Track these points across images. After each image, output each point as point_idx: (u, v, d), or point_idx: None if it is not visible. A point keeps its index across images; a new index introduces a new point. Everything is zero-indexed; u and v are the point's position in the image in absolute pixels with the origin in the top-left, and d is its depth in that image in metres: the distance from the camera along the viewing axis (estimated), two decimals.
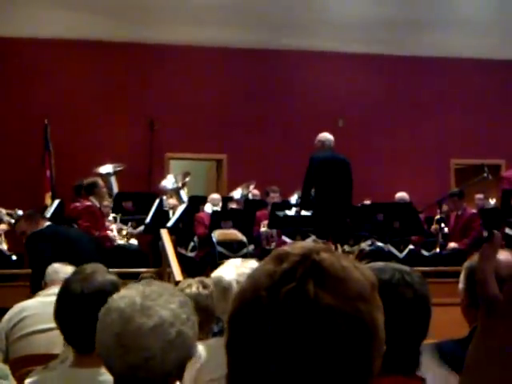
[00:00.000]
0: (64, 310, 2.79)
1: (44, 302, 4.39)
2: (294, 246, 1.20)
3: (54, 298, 3.40)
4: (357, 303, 1.14)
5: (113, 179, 11.35)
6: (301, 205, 10.68)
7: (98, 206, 9.91)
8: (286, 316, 1.11)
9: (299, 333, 1.11)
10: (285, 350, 1.11)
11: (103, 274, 2.87)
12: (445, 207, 11.61)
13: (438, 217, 11.42)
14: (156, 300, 2.04)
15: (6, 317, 4.59)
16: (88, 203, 9.76)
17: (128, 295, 2.07)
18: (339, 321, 1.12)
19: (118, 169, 11.48)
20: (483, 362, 0.79)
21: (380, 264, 2.25)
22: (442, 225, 11.29)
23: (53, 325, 3.20)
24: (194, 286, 4.02)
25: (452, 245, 10.76)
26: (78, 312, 2.72)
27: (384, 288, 2.12)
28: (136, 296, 2.05)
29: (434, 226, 11.29)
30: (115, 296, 2.10)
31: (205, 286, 3.96)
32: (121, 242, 10.16)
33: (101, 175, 11.42)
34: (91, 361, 2.58)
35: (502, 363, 0.78)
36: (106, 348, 2.06)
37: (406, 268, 2.22)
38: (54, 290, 3.57)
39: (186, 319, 2.05)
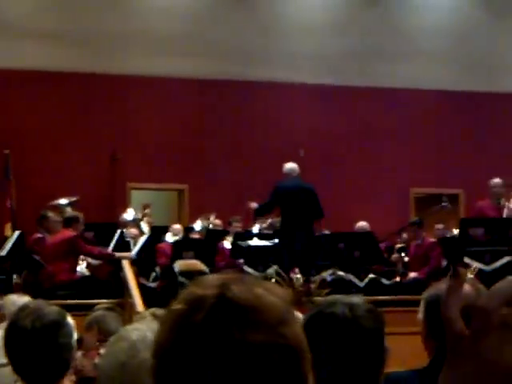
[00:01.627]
0: (14, 345, 2.78)
1: None
2: (204, 286, 1.18)
3: None
4: (279, 329, 1.14)
5: (69, 210, 11.29)
6: (256, 211, 10.66)
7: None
8: (218, 362, 1.11)
9: (234, 376, 1.11)
10: None
11: (48, 307, 2.86)
12: (405, 236, 11.71)
13: (398, 246, 11.50)
14: None
15: None
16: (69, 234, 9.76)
17: (140, 329, 2.08)
18: (269, 354, 1.12)
19: (74, 200, 11.44)
20: None
21: (332, 298, 2.30)
22: (403, 254, 11.38)
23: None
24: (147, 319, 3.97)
25: (412, 274, 10.84)
26: (28, 347, 2.70)
27: (329, 322, 2.18)
28: (147, 331, 2.05)
29: (395, 255, 11.37)
30: (129, 327, 2.11)
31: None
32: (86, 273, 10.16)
33: (57, 207, 11.36)
34: None
35: None
36: (107, 375, 2.07)
37: (358, 302, 2.24)
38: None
39: None
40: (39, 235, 10.09)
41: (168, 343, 1.16)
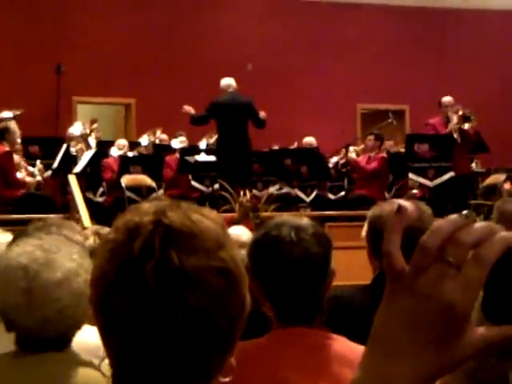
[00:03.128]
0: None
1: None
2: (139, 213, 1.17)
3: None
4: (218, 253, 1.16)
5: (13, 124, 11.05)
6: (191, 118, 10.59)
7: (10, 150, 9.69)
8: (157, 290, 1.11)
9: (174, 302, 1.12)
10: (162, 321, 1.12)
11: None
12: (351, 152, 11.77)
13: (342, 161, 11.55)
14: (58, 253, 2.02)
15: None
16: (5, 149, 9.52)
17: (27, 251, 2.03)
18: (209, 278, 1.14)
19: (18, 113, 11.19)
20: (385, 332, 0.83)
21: (280, 220, 2.31)
22: (346, 169, 11.46)
23: None
24: (90, 238, 3.76)
25: (359, 192, 10.89)
26: None
27: (275, 245, 2.20)
28: (36, 251, 2.02)
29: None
30: (12, 253, 2.05)
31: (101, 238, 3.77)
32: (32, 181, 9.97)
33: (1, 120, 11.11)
34: None
35: (402, 333, 0.82)
36: (11, 306, 2.03)
37: (305, 224, 2.25)
38: None
39: (89, 267, 2.02)
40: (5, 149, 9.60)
41: (106, 272, 1.16)
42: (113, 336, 1.17)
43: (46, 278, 1.99)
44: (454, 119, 10.10)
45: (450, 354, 0.81)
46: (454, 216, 0.82)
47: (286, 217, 2.35)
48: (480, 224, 0.82)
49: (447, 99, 10.37)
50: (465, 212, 0.83)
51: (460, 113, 10.11)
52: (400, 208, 0.85)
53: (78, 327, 2.08)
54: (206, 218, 1.20)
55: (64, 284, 2.00)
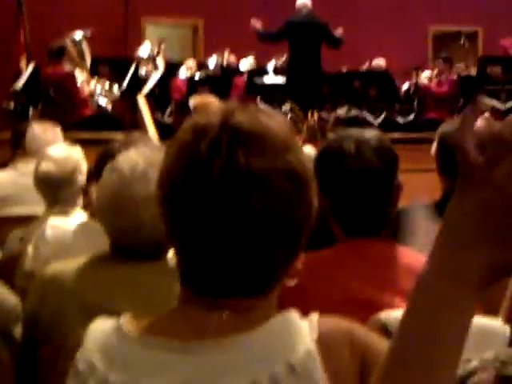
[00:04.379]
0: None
1: (21, 183, 4.32)
2: (207, 115, 1.17)
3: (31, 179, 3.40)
4: (285, 156, 1.15)
5: (84, 45, 11.09)
6: (258, 34, 10.42)
7: (73, 70, 9.76)
8: (225, 190, 1.11)
9: (239, 204, 1.11)
10: (228, 222, 1.12)
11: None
12: (421, 75, 11.55)
13: (413, 84, 11.35)
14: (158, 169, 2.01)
15: None
16: (65, 69, 9.59)
17: (133, 159, 2.05)
18: (276, 180, 1.13)
19: (89, 33, 11.20)
20: (458, 224, 0.81)
21: (345, 132, 2.28)
22: (419, 92, 11.27)
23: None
24: None
25: (429, 115, 10.72)
26: None
27: (335, 157, 2.18)
28: (140, 161, 2.03)
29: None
30: (121, 156, 2.08)
31: None
32: (102, 101, 10.03)
33: (72, 41, 11.18)
34: None
35: (475, 225, 0.81)
36: (102, 208, 2.07)
37: (368, 138, 2.22)
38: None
39: None
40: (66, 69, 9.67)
41: (173, 173, 1.17)
42: (179, 237, 1.18)
43: (134, 191, 2.00)
44: None
45: None
46: None
47: (351, 130, 2.32)
48: None
49: None
50: None
51: None
52: (475, 100, 0.83)
53: (159, 248, 2.08)
54: (274, 121, 1.18)
55: (148, 201, 1.96)
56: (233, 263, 1.14)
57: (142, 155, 2.07)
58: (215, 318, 1.15)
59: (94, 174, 2.70)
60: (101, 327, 1.20)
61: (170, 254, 2.11)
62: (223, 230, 1.12)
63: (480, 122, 2.90)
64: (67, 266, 2.09)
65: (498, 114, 10.08)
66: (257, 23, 10.38)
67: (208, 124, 1.15)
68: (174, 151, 1.17)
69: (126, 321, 1.20)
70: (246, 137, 1.13)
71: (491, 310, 2.04)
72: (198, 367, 1.11)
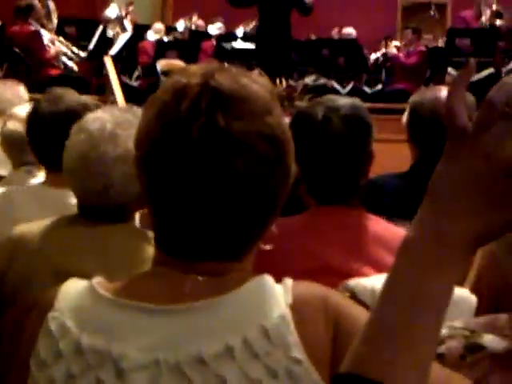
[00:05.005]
0: (34, 130, 2.75)
1: None
2: (187, 75, 1.15)
3: None
4: (264, 118, 1.14)
5: (51, 4, 10.91)
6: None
7: (39, 29, 9.63)
8: (203, 151, 1.10)
9: (219, 165, 1.11)
10: (206, 182, 1.11)
11: (73, 95, 2.83)
12: (390, 45, 11.56)
13: (381, 53, 11.35)
14: (127, 130, 1.98)
15: None
16: (31, 28, 9.45)
17: (100, 119, 2.02)
18: (255, 143, 1.12)
19: None
20: (444, 190, 0.80)
21: (317, 100, 2.25)
22: (388, 65, 11.28)
23: None
24: None
25: (396, 85, 10.73)
26: (47, 131, 2.66)
27: (303, 123, 2.16)
28: (108, 122, 2.00)
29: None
30: (90, 116, 2.06)
31: None
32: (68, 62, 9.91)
33: None
34: (62, 181, 2.60)
35: (462, 192, 0.80)
36: (70, 168, 2.04)
37: (340, 104, 2.19)
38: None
39: None
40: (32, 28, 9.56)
41: (152, 132, 1.15)
42: (156, 197, 1.17)
43: (103, 151, 1.97)
44: (487, 13, 9.79)
45: (507, 216, 0.79)
46: None
47: (326, 97, 2.30)
48: None
49: None
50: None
51: (494, 7, 9.79)
52: (467, 63, 0.82)
53: (127, 210, 2.07)
54: (255, 83, 1.17)
55: (117, 162, 1.98)
56: (209, 225, 1.13)
57: (111, 115, 2.04)
58: (190, 282, 1.14)
59: None
60: (73, 288, 1.19)
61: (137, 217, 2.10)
62: (200, 191, 1.11)
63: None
64: (34, 227, 2.07)
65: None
66: None
67: (188, 84, 1.13)
68: (153, 111, 1.16)
69: (100, 282, 1.18)
70: (226, 98, 1.12)
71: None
72: (171, 330, 1.11)
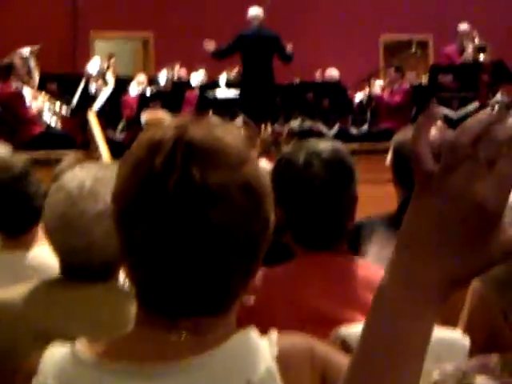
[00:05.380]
0: None
1: None
2: (161, 129, 1.16)
3: None
4: (240, 169, 1.14)
5: (32, 61, 10.95)
6: (213, 54, 10.39)
7: (21, 87, 9.63)
8: (180, 205, 1.10)
9: (195, 220, 1.10)
10: (184, 237, 1.10)
11: (12, 157, 2.82)
12: (374, 84, 11.62)
13: (366, 93, 11.42)
14: (106, 186, 1.94)
15: None
16: (12, 88, 9.46)
17: (79, 177, 2.02)
18: (232, 194, 1.12)
19: (36, 48, 11.05)
20: (413, 234, 0.79)
21: (299, 145, 2.23)
22: (373, 103, 11.34)
23: None
24: None
25: (382, 125, 10.78)
26: None
27: (286, 168, 2.15)
28: (87, 179, 2.00)
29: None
30: (68, 175, 2.06)
31: None
32: (50, 120, 9.90)
33: (20, 57, 11.02)
34: (17, 244, 2.57)
35: (430, 235, 0.78)
36: (51, 227, 2.04)
37: (321, 149, 2.17)
38: None
39: None
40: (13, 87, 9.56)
41: (128, 188, 1.15)
42: (134, 254, 1.16)
43: (83, 208, 1.97)
44: (470, 48, 9.88)
45: (480, 256, 0.77)
46: (486, 111, 0.78)
47: (308, 141, 2.27)
48: None
49: (463, 26, 10.10)
50: (498, 99, 0.78)
51: (476, 41, 9.87)
52: (430, 108, 0.81)
53: (109, 266, 2.04)
54: (229, 134, 1.17)
55: (98, 218, 1.96)
56: (190, 280, 1.12)
57: (89, 172, 2.04)
58: (174, 340, 1.13)
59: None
60: (56, 353, 1.19)
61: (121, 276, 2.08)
62: (179, 246, 1.11)
63: (433, 131, 2.88)
64: (16, 291, 2.04)
65: (450, 123, 10.19)
66: (209, 45, 10.34)
67: (162, 139, 1.13)
68: (129, 166, 1.16)
69: (82, 345, 1.18)
70: (201, 151, 1.12)
71: (451, 321, 2.02)
72: None
